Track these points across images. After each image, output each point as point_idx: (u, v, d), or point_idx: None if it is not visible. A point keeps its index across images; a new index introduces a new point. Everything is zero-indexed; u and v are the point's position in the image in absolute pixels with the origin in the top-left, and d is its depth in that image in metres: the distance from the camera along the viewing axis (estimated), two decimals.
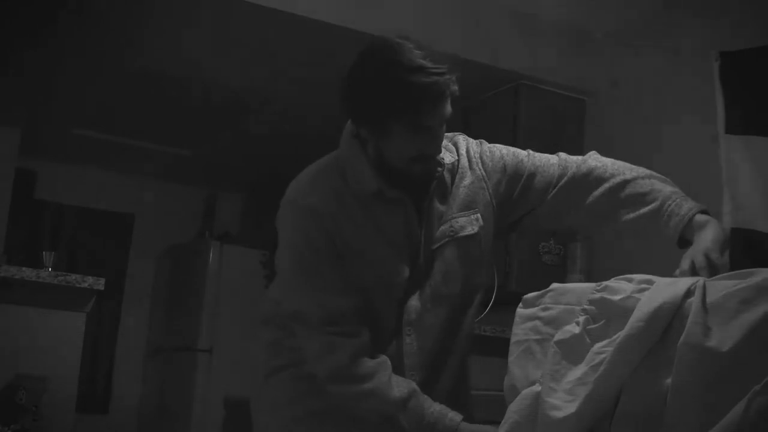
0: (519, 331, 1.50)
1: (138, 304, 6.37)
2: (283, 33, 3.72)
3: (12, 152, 5.52)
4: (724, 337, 1.20)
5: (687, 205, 1.62)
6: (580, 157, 1.77)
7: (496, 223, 1.74)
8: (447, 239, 1.68)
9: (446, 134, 1.72)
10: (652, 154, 3.71)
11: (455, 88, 1.58)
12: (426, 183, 1.67)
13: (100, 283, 3.60)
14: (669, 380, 1.23)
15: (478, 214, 1.70)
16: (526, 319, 1.51)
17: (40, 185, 6.15)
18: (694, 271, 1.46)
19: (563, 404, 1.28)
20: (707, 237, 1.54)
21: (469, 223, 1.68)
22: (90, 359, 5.89)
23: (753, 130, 3.17)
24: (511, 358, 1.50)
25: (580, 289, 1.47)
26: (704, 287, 1.28)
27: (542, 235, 3.84)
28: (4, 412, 3.30)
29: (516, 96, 4.02)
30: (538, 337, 1.47)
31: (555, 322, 1.45)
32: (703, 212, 1.62)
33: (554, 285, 1.52)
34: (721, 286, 1.26)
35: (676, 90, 3.64)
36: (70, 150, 5.94)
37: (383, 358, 1.62)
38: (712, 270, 1.45)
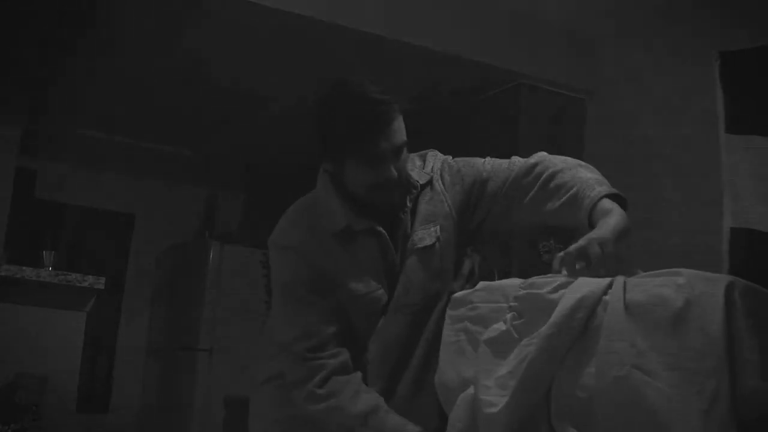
0: (450, 332, 1.54)
1: (138, 303, 6.37)
2: (284, 33, 3.72)
3: (12, 152, 5.52)
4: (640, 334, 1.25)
5: (599, 188, 1.63)
6: (527, 159, 1.80)
7: (458, 232, 1.79)
8: (408, 252, 1.75)
9: (418, 153, 1.83)
10: (652, 154, 3.72)
11: (399, 117, 1.65)
12: (397, 210, 1.74)
13: (100, 283, 3.61)
14: (593, 371, 1.26)
15: (437, 227, 1.76)
16: (456, 320, 1.54)
17: (40, 185, 6.16)
18: (583, 256, 1.44)
19: (497, 399, 1.31)
20: (607, 225, 1.52)
21: (428, 235, 1.75)
22: (90, 359, 5.90)
23: (753, 130, 3.18)
24: (442, 358, 1.54)
25: (507, 286, 1.50)
26: (624, 284, 1.32)
27: (542, 234, 3.84)
28: (4, 412, 3.30)
29: (516, 96, 4.01)
30: (468, 336, 1.50)
31: (483, 321, 1.48)
32: (617, 199, 1.62)
33: (481, 284, 1.56)
34: (642, 284, 1.31)
35: (676, 90, 3.64)
36: (70, 150, 5.94)
37: (355, 374, 1.70)
38: (600, 263, 1.43)
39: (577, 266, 1.43)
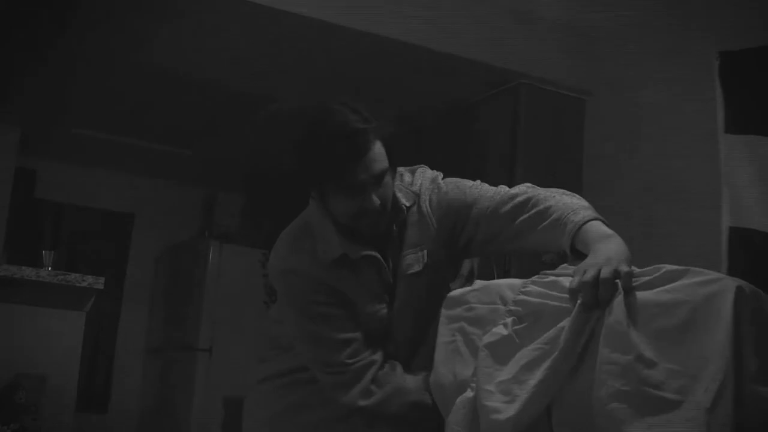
0: (446, 332, 1.53)
1: (138, 303, 6.37)
2: (284, 32, 3.72)
3: (12, 151, 5.53)
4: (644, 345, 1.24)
5: (583, 213, 1.57)
6: (511, 189, 1.77)
7: (446, 255, 1.78)
8: (399, 277, 1.74)
9: (408, 168, 1.82)
10: (652, 154, 3.72)
11: (378, 143, 1.62)
12: (384, 235, 1.72)
13: (99, 283, 3.61)
14: (595, 383, 1.25)
15: (424, 251, 1.74)
16: (452, 319, 1.53)
17: (40, 185, 6.16)
18: (596, 283, 1.34)
19: (503, 405, 1.30)
20: (610, 248, 1.43)
21: (416, 261, 1.74)
22: (89, 359, 5.89)
23: (753, 130, 3.18)
24: (438, 358, 1.53)
25: (504, 286, 1.49)
26: (623, 292, 1.30)
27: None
28: (3, 412, 3.30)
29: (516, 96, 4.01)
30: (464, 337, 1.49)
31: (480, 322, 1.47)
32: (602, 223, 1.56)
33: (477, 282, 1.55)
34: (644, 289, 1.30)
35: (676, 90, 3.64)
36: (70, 150, 5.94)
37: (393, 362, 1.72)
38: (615, 289, 1.33)
39: (597, 296, 1.34)
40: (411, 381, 1.69)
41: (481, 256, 1.91)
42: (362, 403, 1.68)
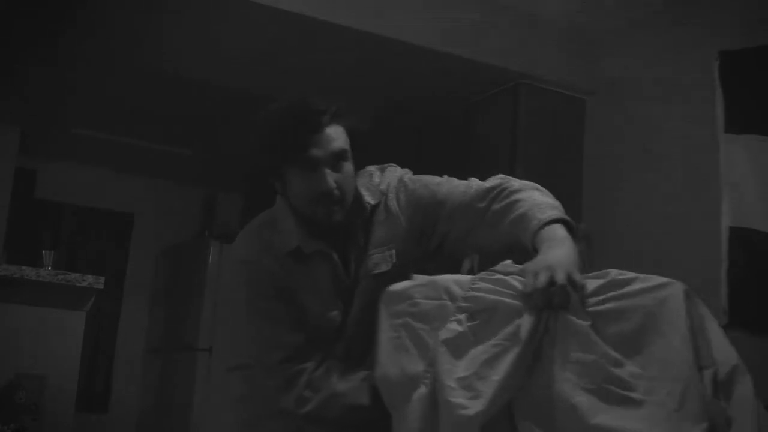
0: (388, 327, 1.52)
1: (137, 303, 6.37)
2: (284, 32, 3.72)
3: (12, 152, 5.52)
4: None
5: (549, 212, 1.56)
6: (484, 182, 1.77)
7: (415, 254, 1.76)
8: (363, 277, 1.73)
9: (378, 166, 1.82)
10: (652, 154, 3.72)
11: (337, 127, 1.66)
12: (343, 228, 1.71)
13: (99, 282, 3.60)
14: (557, 378, 1.29)
15: (393, 251, 1.73)
16: (395, 315, 1.52)
17: (40, 185, 6.16)
18: (548, 288, 1.36)
19: (468, 402, 1.31)
20: (560, 253, 1.44)
21: (383, 260, 1.72)
22: (89, 358, 5.90)
23: (753, 130, 3.18)
24: (382, 353, 1.51)
25: (452, 281, 1.50)
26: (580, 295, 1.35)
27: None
28: (3, 411, 3.30)
29: (516, 96, 4.01)
30: (410, 332, 1.49)
31: (427, 318, 1.48)
32: (567, 226, 1.55)
33: (419, 278, 1.55)
34: (598, 295, 1.35)
35: (676, 90, 3.64)
36: (70, 150, 5.94)
37: (329, 365, 1.69)
38: (571, 297, 1.36)
39: (550, 301, 1.37)
40: (346, 384, 1.65)
41: (456, 254, 1.88)
42: (299, 411, 1.64)
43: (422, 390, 1.41)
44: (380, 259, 1.72)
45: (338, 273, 1.72)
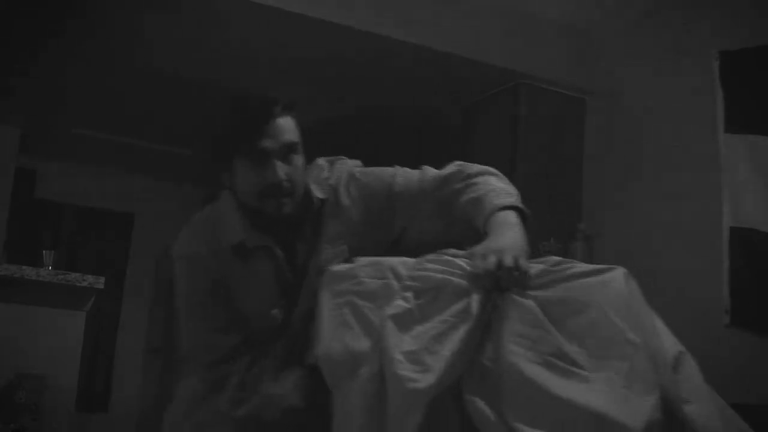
0: (331, 305, 1.53)
1: (138, 303, 6.37)
2: (284, 32, 3.72)
3: (12, 152, 5.53)
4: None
5: (504, 198, 1.57)
6: (440, 171, 1.75)
7: (368, 249, 1.71)
8: (313, 272, 1.69)
9: (327, 159, 1.80)
10: (652, 154, 3.72)
11: (288, 118, 1.66)
12: (291, 221, 1.69)
13: (99, 282, 3.60)
14: (505, 352, 1.31)
15: (345, 246, 1.70)
16: (338, 294, 1.53)
17: (40, 184, 6.16)
18: (496, 270, 1.38)
19: (418, 375, 1.31)
20: (509, 237, 1.46)
21: (336, 256, 1.68)
22: (90, 358, 5.90)
23: (753, 130, 3.18)
24: (324, 330, 1.51)
25: (395, 262, 1.51)
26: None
27: (542, 233, 3.85)
28: (4, 411, 3.30)
29: (516, 96, 4.01)
30: (354, 310, 1.49)
31: (373, 296, 1.49)
32: (520, 213, 1.56)
33: (365, 259, 1.57)
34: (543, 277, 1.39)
35: (676, 90, 3.64)
36: (70, 149, 5.94)
37: (261, 366, 1.67)
38: (518, 280, 1.39)
39: (498, 283, 1.40)
40: (281, 386, 1.62)
41: (418, 242, 1.88)
42: (234, 413, 1.62)
43: (367, 368, 1.40)
44: (332, 255, 1.68)
45: (282, 269, 1.69)
